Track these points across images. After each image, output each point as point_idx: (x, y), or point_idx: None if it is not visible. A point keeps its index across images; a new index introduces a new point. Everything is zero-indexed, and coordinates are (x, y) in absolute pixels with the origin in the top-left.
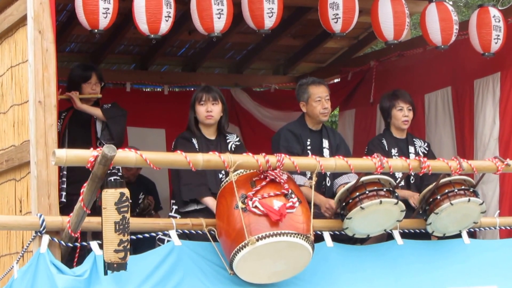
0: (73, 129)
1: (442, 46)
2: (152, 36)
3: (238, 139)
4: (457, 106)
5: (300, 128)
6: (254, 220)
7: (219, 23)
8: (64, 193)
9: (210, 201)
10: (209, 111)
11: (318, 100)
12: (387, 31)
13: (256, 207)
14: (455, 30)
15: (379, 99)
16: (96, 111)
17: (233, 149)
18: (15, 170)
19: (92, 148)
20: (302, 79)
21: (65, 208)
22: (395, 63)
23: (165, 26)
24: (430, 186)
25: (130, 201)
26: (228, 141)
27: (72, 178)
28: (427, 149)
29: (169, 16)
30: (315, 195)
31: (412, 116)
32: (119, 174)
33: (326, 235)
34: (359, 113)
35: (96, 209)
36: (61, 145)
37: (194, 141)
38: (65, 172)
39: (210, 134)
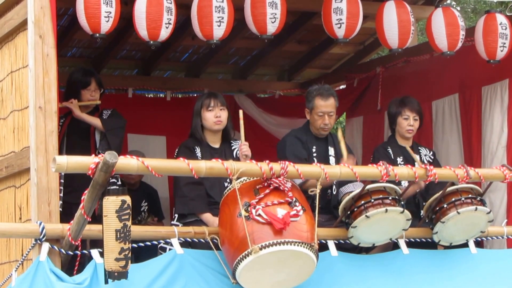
0: (72, 137)
1: (448, 52)
2: (152, 42)
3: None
4: (464, 113)
5: (306, 135)
6: (258, 228)
7: (219, 31)
8: (61, 202)
9: (208, 218)
10: (218, 116)
11: (321, 115)
12: (391, 39)
13: (259, 215)
14: (462, 36)
15: (386, 106)
16: (96, 121)
17: (238, 156)
18: (15, 177)
19: (93, 155)
20: (311, 84)
21: (62, 217)
22: (401, 70)
23: (165, 33)
24: (437, 195)
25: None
26: (233, 148)
27: (70, 187)
28: (432, 157)
29: (169, 23)
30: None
31: (418, 126)
32: (118, 183)
33: (331, 244)
34: (367, 120)
35: (96, 218)
36: (59, 152)
37: (198, 149)
38: (62, 181)
39: (215, 141)
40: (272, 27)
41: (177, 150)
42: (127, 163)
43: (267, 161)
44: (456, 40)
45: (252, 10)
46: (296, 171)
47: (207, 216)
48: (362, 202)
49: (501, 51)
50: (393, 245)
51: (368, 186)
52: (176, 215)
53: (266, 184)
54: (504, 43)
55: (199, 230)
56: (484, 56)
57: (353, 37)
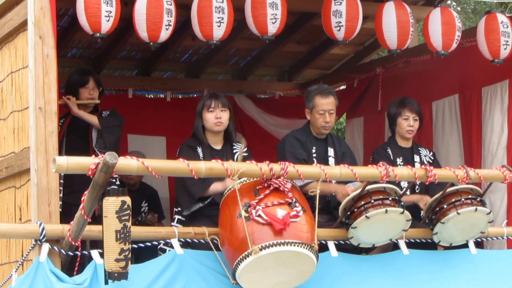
0: (71, 136)
1: (442, 52)
2: (152, 44)
3: (245, 149)
4: (464, 114)
5: (305, 135)
6: (258, 229)
7: (219, 31)
8: (60, 203)
9: (217, 186)
10: (218, 117)
11: (321, 113)
12: (390, 40)
13: (259, 216)
14: (457, 36)
15: (386, 106)
16: (93, 119)
17: (239, 159)
18: (15, 177)
19: (93, 156)
20: (311, 85)
21: (62, 217)
22: (402, 70)
23: (164, 35)
24: (437, 195)
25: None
26: (234, 151)
27: (70, 188)
28: (432, 158)
29: (169, 25)
30: (330, 184)
31: (418, 126)
32: (117, 183)
33: (331, 245)
34: (367, 121)
35: (96, 218)
36: (58, 153)
37: (199, 149)
38: (61, 181)
39: (216, 143)
40: (273, 28)
41: (179, 148)
42: (127, 163)
43: (267, 162)
44: (451, 40)
45: (252, 10)
46: (296, 172)
47: (216, 185)
48: (362, 202)
49: (505, 49)
50: (393, 246)
51: (368, 187)
52: (176, 217)
53: (266, 184)
54: (507, 41)
55: (199, 231)
56: (488, 56)
57: (353, 38)
